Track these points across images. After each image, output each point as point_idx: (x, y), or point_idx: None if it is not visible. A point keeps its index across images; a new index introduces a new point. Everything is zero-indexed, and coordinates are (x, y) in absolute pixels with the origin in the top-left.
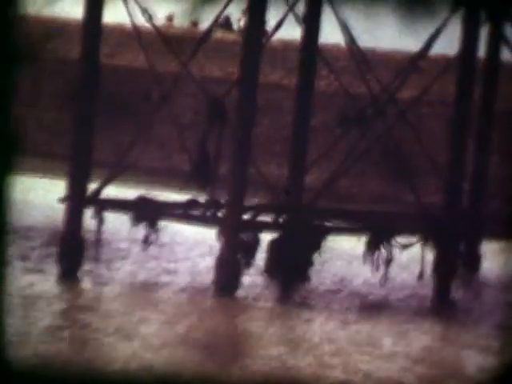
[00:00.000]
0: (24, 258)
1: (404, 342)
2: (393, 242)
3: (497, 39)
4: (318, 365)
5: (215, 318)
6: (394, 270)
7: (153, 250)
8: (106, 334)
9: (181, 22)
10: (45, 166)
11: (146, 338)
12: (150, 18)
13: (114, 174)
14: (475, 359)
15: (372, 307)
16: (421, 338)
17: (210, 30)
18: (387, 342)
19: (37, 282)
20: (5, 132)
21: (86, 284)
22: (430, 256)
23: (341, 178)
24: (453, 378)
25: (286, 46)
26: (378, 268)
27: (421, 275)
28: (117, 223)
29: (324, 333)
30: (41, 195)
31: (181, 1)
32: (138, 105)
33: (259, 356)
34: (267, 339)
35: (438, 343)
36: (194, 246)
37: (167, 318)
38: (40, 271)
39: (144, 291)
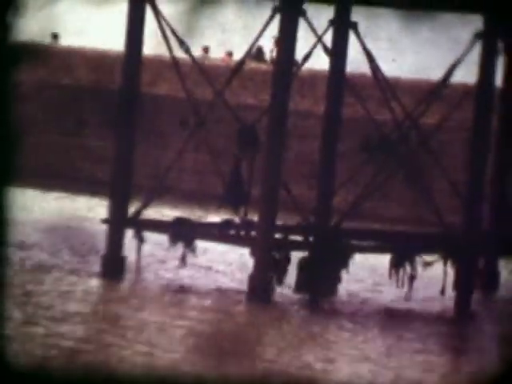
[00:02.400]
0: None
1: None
2: (416, 259)
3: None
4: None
5: (241, 325)
6: (417, 285)
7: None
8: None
9: (216, 53)
10: (89, 189)
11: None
12: (187, 49)
13: (152, 197)
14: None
15: (396, 319)
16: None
17: (243, 61)
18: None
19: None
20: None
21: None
22: (451, 273)
23: (365, 200)
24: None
25: (315, 75)
26: (402, 283)
27: (443, 290)
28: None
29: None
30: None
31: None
32: (176, 131)
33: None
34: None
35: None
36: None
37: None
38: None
39: (182, 295)
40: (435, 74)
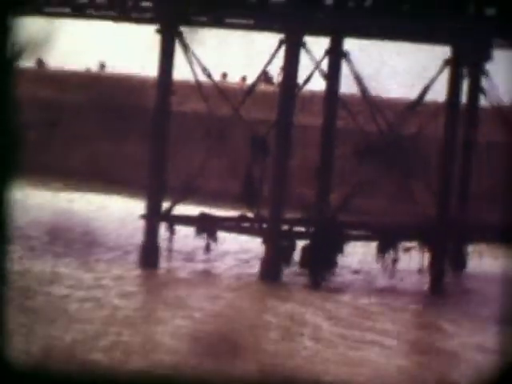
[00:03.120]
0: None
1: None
2: (398, 246)
3: (476, 88)
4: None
5: (255, 300)
6: (399, 266)
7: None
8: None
9: (234, 77)
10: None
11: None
12: (208, 74)
13: (182, 196)
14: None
15: (381, 292)
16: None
17: (254, 84)
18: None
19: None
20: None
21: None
22: (426, 256)
23: (356, 196)
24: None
25: (314, 95)
26: (386, 266)
27: (420, 270)
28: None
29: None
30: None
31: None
32: (200, 142)
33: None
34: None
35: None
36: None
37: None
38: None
39: (205, 278)
40: (412, 94)
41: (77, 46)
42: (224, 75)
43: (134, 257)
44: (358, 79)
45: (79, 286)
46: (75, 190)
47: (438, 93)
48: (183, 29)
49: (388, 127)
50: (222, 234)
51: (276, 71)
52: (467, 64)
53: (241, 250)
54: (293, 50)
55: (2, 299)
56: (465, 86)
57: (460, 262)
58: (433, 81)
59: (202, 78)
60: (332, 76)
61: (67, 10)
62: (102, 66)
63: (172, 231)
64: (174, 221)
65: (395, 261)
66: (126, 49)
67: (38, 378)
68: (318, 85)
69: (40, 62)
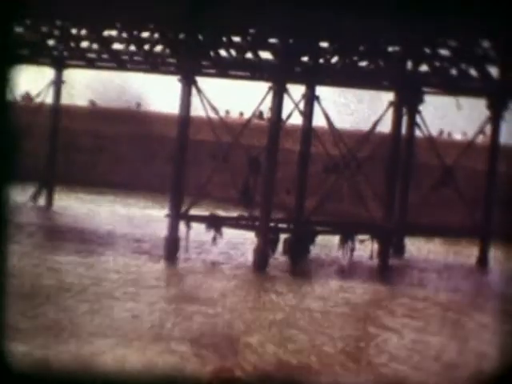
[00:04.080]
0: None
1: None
2: (354, 238)
3: (412, 123)
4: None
5: (253, 282)
6: (355, 254)
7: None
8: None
9: (234, 113)
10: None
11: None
12: (216, 111)
13: (195, 201)
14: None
15: (342, 272)
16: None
17: (249, 119)
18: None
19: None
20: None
21: (181, 262)
22: (375, 246)
23: (325, 202)
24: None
25: (294, 127)
26: (346, 253)
27: (371, 256)
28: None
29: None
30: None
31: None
32: (209, 162)
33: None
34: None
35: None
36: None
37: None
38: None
39: (214, 268)
40: (366, 126)
41: (120, 89)
42: (227, 112)
43: (161, 246)
44: (326, 116)
45: (126, 270)
46: (117, 197)
47: (385, 126)
48: (198, 78)
49: (347, 152)
50: (225, 230)
51: (266, 109)
52: (406, 105)
53: (239, 240)
54: (278, 94)
55: (2, 301)
56: (404, 121)
57: (400, 250)
58: (381, 117)
59: (211, 114)
60: (307, 113)
61: (113, 64)
62: (138, 105)
63: (188, 227)
64: (190, 219)
65: (353, 249)
66: (156, 92)
67: (38, 379)
68: (296, 120)
69: (93, 103)
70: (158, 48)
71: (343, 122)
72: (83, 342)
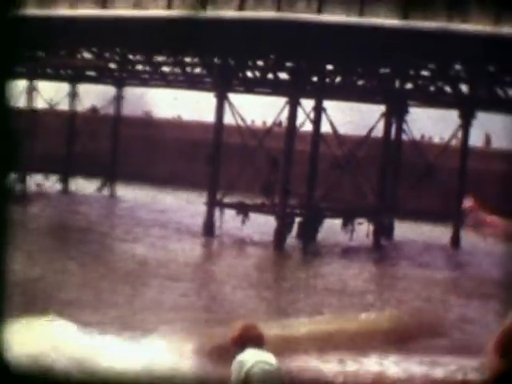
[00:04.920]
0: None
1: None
2: (354, 221)
3: (400, 129)
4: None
5: (273, 259)
6: (356, 234)
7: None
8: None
9: (258, 122)
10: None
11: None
12: (244, 120)
13: (227, 191)
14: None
15: (344, 250)
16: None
17: (270, 127)
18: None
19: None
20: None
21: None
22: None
23: (330, 192)
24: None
25: (306, 133)
26: (347, 233)
27: (367, 235)
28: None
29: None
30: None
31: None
32: (238, 160)
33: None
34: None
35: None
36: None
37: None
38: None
39: (241, 244)
40: (363, 132)
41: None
42: (252, 121)
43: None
44: (332, 124)
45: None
46: (164, 190)
47: (378, 131)
48: (229, 94)
49: (348, 152)
50: (252, 214)
51: (283, 119)
52: (394, 115)
53: (264, 222)
54: (293, 107)
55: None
56: (393, 128)
57: (389, 231)
58: (375, 125)
59: (240, 122)
60: (316, 122)
61: (161, 83)
62: (179, 117)
63: (222, 212)
64: (223, 206)
65: (353, 230)
66: (193, 105)
67: (38, 379)
68: (307, 127)
69: (147, 113)
70: (197, 70)
71: (345, 129)
72: None
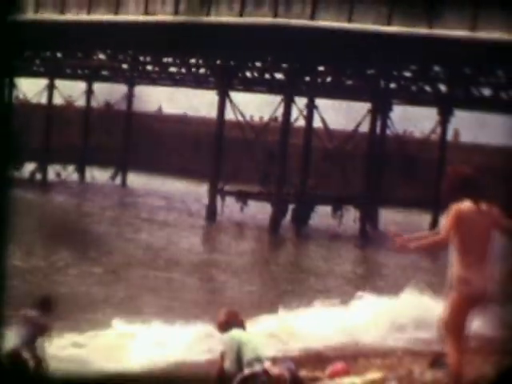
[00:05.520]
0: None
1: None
2: (343, 208)
3: (384, 125)
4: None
5: (270, 241)
6: (344, 220)
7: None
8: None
9: (256, 118)
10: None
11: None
12: (243, 116)
13: (228, 180)
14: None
15: (333, 235)
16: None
17: (267, 122)
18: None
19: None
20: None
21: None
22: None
23: (321, 181)
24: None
25: (299, 127)
26: (336, 219)
27: (355, 221)
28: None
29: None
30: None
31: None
32: (238, 153)
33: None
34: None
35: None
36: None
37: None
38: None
39: (240, 228)
40: (351, 127)
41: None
42: (251, 117)
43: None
44: (323, 119)
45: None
46: (171, 179)
47: (365, 127)
48: (230, 92)
49: (338, 145)
50: (250, 201)
51: (279, 115)
52: (379, 112)
53: (261, 209)
54: (287, 104)
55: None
56: (378, 124)
57: (374, 219)
58: (361, 120)
59: (240, 118)
60: (308, 118)
61: (169, 82)
62: (185, 113)
63: (223, 199)
64: (224, 193)
65: (341, 216)
66: (198, 102)
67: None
68: (301, 122)
69: (159, 109)
70: (201, 70)
71: (335, 124)
72: None
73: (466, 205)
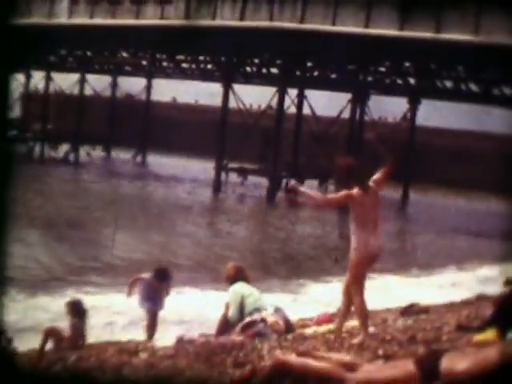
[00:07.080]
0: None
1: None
2: (327, 181)
3: (362, 112)
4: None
5: (266, 208)
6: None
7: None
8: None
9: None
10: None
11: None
12: (244, 105)
13: (232, 159)
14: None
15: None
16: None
17: (264, 110)
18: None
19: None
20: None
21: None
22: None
23: (310, 159)
24: None
25: (291, 114)
26: (323, 191)
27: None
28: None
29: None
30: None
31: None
32: (239, 137)
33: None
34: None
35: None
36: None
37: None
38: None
39: (241, 200)
40: (334, 113)
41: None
42: (250, 105)
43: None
44: (311, 107)
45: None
46: (183, 158)
47: (346, 113)
48: (233, 85)
49: (324, 129)
50: (250, 177)
51: (274, 104)
52: (358, 101)
53: (259, 183)
54: (281, 94)
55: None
56: (358, 111)
57: None
58: (343, 108)
59: (241, 106)
60: (299, 106)
61: (181, 75)
62: (196, 101)
63: (227, 175)
64: (228, 170)
65: (326, 188)
66: (206, 93)
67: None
68: (293, 110)
69: (174, 99)
70: (209, 66)
71: (321, 111)
72: None
73: (355, 191)
